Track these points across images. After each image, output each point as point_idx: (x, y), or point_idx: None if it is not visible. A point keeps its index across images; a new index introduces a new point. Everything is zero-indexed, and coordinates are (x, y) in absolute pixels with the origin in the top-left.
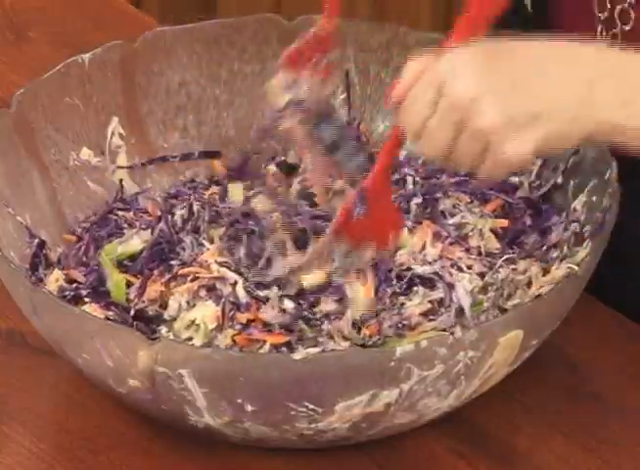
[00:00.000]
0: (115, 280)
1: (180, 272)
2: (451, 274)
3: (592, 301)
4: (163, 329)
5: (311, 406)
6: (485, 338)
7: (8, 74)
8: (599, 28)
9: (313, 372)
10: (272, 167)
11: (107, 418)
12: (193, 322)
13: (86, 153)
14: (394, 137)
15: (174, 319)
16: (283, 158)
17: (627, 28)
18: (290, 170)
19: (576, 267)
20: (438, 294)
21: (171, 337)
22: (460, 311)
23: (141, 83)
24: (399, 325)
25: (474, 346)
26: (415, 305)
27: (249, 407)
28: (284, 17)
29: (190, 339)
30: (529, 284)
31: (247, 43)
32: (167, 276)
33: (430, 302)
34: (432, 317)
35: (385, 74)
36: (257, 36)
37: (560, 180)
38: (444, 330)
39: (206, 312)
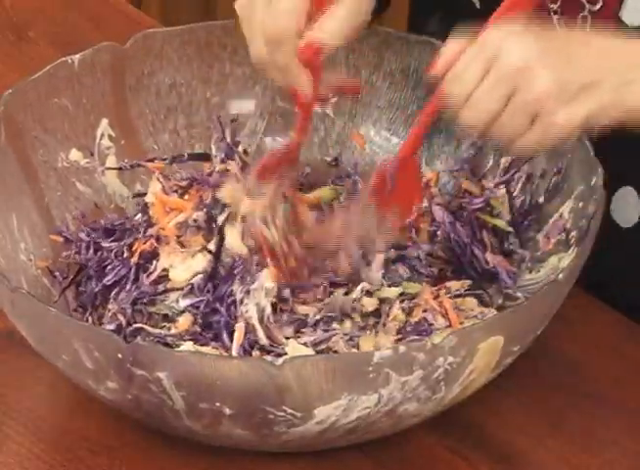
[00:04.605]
0: None
1: None
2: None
3: (592, 301)
4: None
5: (289, 411)
6: (465, 344)
7: (8, 74)
8: (555, 18)
9: (291, 377)
10: None
11: (106, 418)
12: None
13: (75, 154)
14: (434, 105)
15: None
16: None
17: (596, 8)
18: None
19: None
20: None
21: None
22: None
23: (131, 85)
24: None
25: (453, 352)
26: None
27: (227, 411)
28: None
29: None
30: None
31: (238, 45)
32: None
33: None
34: None
35: (376, 78)
36: None
37: (541, 200)
38: None
39: None
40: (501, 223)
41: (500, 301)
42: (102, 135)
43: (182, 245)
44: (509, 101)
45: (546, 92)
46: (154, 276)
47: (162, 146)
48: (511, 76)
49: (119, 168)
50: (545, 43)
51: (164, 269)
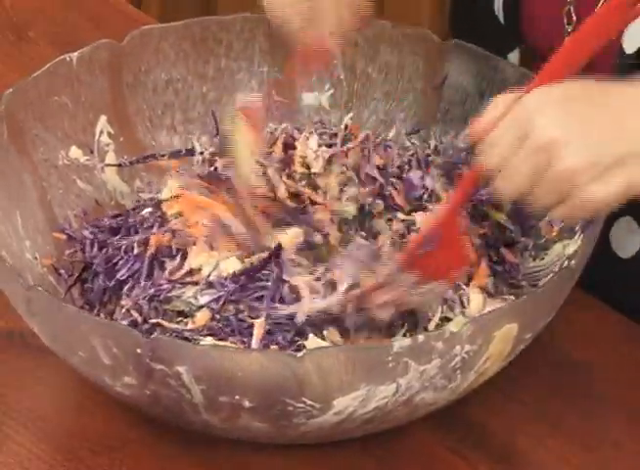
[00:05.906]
0: None
1: None
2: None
3: (592, 301)
4: None
5: (309, 402)
6: (482, 332)
7: (8, 74)
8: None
9: (312, 369)
10: None
11: (107, 418)
12: None
13: (75, 151)
14: (473, 175)
15: None
16: None
17: None
18: None
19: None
20: None
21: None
22: None
23: (129, 81)
24: None
25: (470, 340)
26: None
27: (246, 404)
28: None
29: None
30: None
31: (233, 40)
32: None
33: None
34: None
35: (371, 70)
36: (244, 33)
37: None
38: None
39: None
40: (501, 217)
41: (505, 289)
42: (101, 132)
43: (210, 245)
44: (542, 175)
45: (576, 167)
46: (179, 274)
47: (160, 142)
48: (542, 150)
49: (119, 165)
50: (580, 113)
51: (192, 270)
